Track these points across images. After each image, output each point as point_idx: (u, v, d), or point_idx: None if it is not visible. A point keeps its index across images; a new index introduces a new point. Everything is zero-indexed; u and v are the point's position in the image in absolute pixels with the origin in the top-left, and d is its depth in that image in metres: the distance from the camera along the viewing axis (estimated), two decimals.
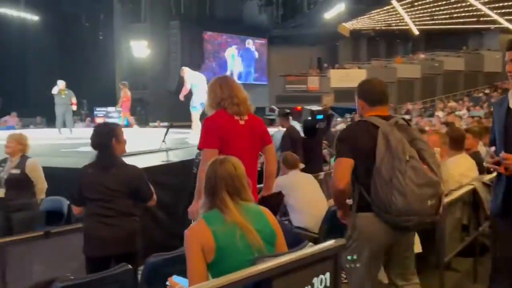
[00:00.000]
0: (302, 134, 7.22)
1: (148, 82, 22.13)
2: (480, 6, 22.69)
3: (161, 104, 20.51)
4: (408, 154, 2.41)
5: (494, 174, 2.74)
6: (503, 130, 2.55)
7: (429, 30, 26.51)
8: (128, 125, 12.73)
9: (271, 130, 9.19)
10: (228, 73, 24.26)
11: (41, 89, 14.01)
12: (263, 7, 24.66)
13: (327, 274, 2.16)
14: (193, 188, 3.13)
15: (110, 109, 19.18)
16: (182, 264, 2.10)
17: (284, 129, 7.07)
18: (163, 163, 5.54)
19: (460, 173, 4.06)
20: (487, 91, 23.69)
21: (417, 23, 25.88)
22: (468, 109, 17.52)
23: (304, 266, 2.08)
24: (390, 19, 26.02)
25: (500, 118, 2.58)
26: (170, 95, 19.05)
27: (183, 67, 8.89)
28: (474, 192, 3.78)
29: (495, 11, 23.24)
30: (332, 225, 3.89)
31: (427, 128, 8.09)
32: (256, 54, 25.87)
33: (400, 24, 26.35)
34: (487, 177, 3.94)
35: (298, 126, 7.78)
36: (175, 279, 2.21)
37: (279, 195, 3.55)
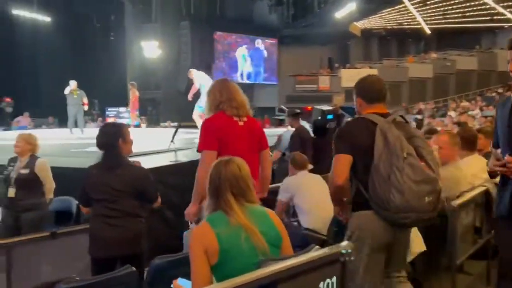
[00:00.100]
0: (312, 134, 7.17)
1: (160, 82, 22.21)
2: (493, 4, 22.42)
3: (172, 104, 20.55)
4: (406, 151, 2.42)
5: None
6: (506, 130, 2.49)
7: (441, 29, 26.20)
8: (138, 125, 12.79)
9: (280, 130, 9.17)
10: (238, 73, 24.32)
11: (53, 90, 14.12)
12: (273, 7, 24.57)
13: (334, 278, 2.11)
14: None
15: (121, 109, 19.33)
16: (187, 266, 2.07)
17: (293, 129, 7.02)
18: (171, 163, 5.54)
19: (472, 174, 3.97)
20: (500, 90, 23.26)
21: (429, 22, 25.64)
22: (481, 109, 17.26)
23: (310, 270, 2.04)
24: (401, 18, 25.81)
25: (504, 118, 2.52)
26: (180, 95, 19.11)
27: (190, 69, 9.03)
28: (486, 193, 3.71)
29: (508, 9, 22.94)
30: (340, 227, 3.83)
31: (439, 128, 7.96)
32: (266, 54, 25.78)
33: (411, 23, 26.13)
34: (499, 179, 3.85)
35: (307, 126, 7.73)
36: (180, 282, 2.19)
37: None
